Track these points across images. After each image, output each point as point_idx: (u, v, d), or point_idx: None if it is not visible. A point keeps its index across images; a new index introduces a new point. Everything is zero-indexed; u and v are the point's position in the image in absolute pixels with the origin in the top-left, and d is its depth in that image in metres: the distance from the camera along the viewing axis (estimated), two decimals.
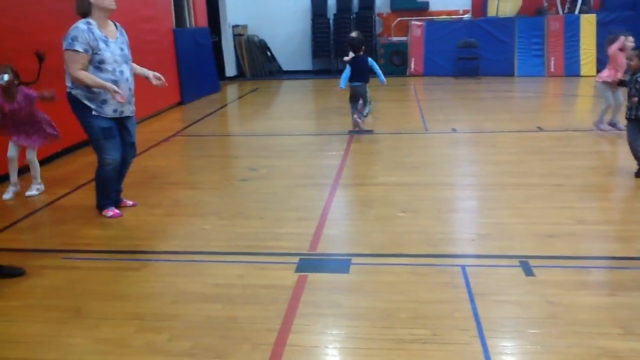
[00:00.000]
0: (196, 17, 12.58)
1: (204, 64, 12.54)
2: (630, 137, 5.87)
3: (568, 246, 4.22)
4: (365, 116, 8.32)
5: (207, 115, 10.23)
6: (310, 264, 4.01)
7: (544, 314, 3.29)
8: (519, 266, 3.88)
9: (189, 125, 9.41)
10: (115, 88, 4.57)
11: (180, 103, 11.29)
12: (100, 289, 3.75)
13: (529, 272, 3.80)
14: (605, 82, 7.62)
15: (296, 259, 4.07)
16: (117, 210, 5.09)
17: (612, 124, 7.71)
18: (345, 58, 8.51)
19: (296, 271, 3.89)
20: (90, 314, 3.41)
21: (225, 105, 11.73)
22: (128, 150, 5.09)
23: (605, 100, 7.69)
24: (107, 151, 4.84)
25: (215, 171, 6.68)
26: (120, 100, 4.61)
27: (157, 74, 5.04)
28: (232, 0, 15.40)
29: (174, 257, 4.23)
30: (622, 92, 7.16)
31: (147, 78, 5.05)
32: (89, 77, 4.55)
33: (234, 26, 15.53)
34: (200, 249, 4.34)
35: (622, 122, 6.90)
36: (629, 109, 5.81)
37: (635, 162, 5.84)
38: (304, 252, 4.21)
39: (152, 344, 3.07)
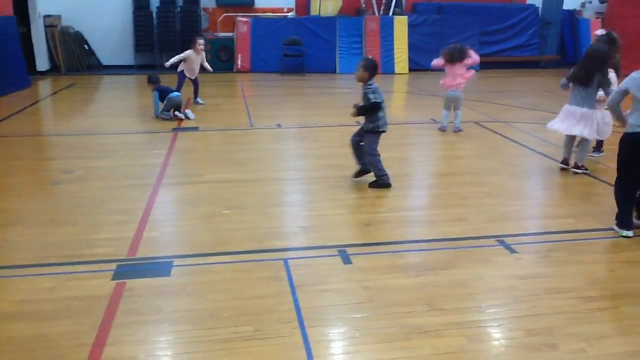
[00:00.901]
0: None
1: (10, 57, 11.34)
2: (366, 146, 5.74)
3: (382, 233, 4.52)
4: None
5: (14, 114, 9.28)
6: (129, 269, 3.82)
7: (360, 299, 3.48)
8: (337, 255, 4.06)
9: None
10: None
11: None
12: None
13: (347, 260, 3.99)
14: None
15: (114, 266, 3.86)
16: None
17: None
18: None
19: (113, 279, 3.68)
20: None
21: (37, 102, 10.72)
22: None
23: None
24: None
25: (23, 175, 6.07)
26: None
27: None
28: None
29: None
30: None
31: None
32: None
33: (46, 16, 14.24)
34: (3, 264, 3.92)
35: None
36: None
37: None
38: (122, 257, 4.00)
39: None
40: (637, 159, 4.39)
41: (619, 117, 4.63)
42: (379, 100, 5.45)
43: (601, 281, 3.75)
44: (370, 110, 5.47)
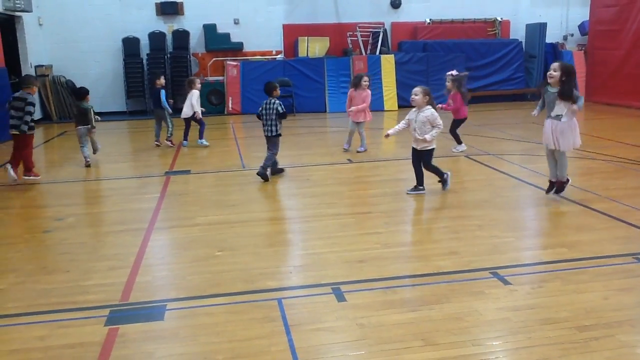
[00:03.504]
0: None
1: (1, 108, 11.41)
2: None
3: (376, 269, 4.51)
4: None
5: (6, 163, 9.28)
6: (122, 315, 3.79)
7: (355, 337, 3.46)
8: (331, 293, 4.05)
9: None
10: None
11: None
12: None
13: (341, 297, 3.98)
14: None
15: (106, 312, 3.83)
16: None
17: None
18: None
19: (106, 324, 3.65)
20: None
21: None
22: None
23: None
24: None
25: (15, 224, 6.06)
26: None
27: None
28: (34, 39, 14.38)
29: None
30: None
31: None
32: None
33: (37, 66, 14.45)
34: None
35: None
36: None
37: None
38: (115, 303, 3.97)
39: None
40: None
41: None
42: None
43: (596, 310, 3.74)
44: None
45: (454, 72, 9.15)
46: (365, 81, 9.35)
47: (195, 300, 4.03)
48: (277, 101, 7.73)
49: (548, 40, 16.69)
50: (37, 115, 14.39)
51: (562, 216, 5.81)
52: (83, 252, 5.01)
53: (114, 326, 3.62)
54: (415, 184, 6.68)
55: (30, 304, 4.01)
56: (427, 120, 6.35)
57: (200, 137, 10.31)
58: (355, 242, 5.13)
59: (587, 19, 16.58)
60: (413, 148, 6.59)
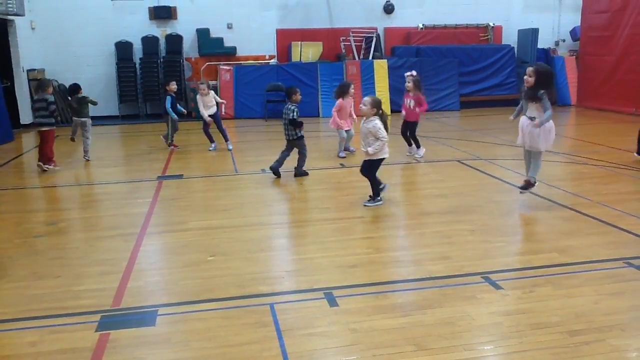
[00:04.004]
0: None
1: None
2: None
3: (368, 274, 4.52)
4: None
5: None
6: (113, 320, 3.78)
7: (347, 342, 3.46)
8: (323, 298, 4.05)
9: None
10: None
11: None
12: None
13: (333, 302, 3.98)
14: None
15: (98, 317, 3.81)
16: None
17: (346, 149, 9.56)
18: None
19: (97, 330, 3.63)
20: None
21: (20, 155, 10.72)
22: None
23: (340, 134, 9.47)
24: None
25: (5, 229, 6.02)
26: None
27: None
28: (27, 43, 14.31)
29: None
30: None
31: None
32: None
33: (29, 70, 14.40)
34: None
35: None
36: None
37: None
38: (106, 308, 3.96)
39: None
40: None
41: None
42: None
43: (587, 314, 3.76)
44: None
45: (414, 73, 9.26)
46: (352, 89, 9.64)
47: (187, 305, 4.01)
48: (293, 107, 7.90)
49: (540, 45, 16.79)
50: (29, 119, 14.37)
51: (553, 221, 5.84)
52: (74, 257, 4.99)
53: (106, 331, 3.61)
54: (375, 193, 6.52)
55: (21, 309, 3.98)
56: (370, 132, 6.23)
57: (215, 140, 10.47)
58: (347, 247, 5.14)
59: (579, 24, 16.71)
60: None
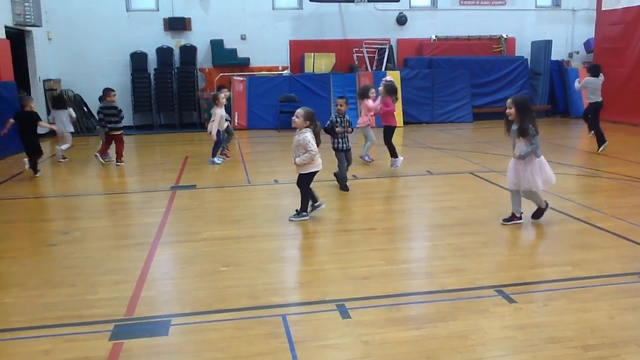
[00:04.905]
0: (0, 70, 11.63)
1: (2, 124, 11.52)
2: (342, 162, 7.53)
3: (380, 286, 4.50)
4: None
5: (13, 177, 9.38)
6: (126, 329, 3.80)
7: (359, 354, 3.45)
8: (336, 310, 4.04)
9: None
10: None
11: None
12: None
13: (345, 314, 3.97)
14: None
15: (111, 326, 3.83)
16: None
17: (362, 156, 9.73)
18: None
19: (110, 339, 3.65)
20: None
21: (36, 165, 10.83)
22: None
23: (369, 137, 9.63)
24: None
25: (20, 237, 6.09)
26: None
27: None
28: (43, 53, 14.53)
29: None
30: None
31: None
32: None
33: (46, 80, 14.60)
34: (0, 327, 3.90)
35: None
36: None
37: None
38: (120, 317, 3.98)
39: None
40: None
41: None
42: None
43: (601, 329, 3.72)
44: None
45: (388, 78, 9.47)
46: (373, 92, 9.68)
47: (200, 315, 4.03)
48: (332, 116, 7.86)
49: (553, 57, 16.76)
50: (45, 129, 14.51)
51: (567, 234, 5.80)
52: (88, 266, 5.03)
53: (119, 341, 3.63)
54: (311, 204, 6.48)
55: (35, 317, 4.02)
56: (300, 144, 6.18)
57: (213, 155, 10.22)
58: (359, 259, 5.13)
59: (593, 36, 16.65)
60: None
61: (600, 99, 10.93)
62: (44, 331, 3.80)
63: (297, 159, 6.22)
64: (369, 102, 9.59)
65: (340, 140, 7.61)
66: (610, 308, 4.04)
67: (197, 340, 3.66)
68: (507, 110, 5.87)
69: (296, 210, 6.40)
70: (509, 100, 5.89)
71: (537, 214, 6.14)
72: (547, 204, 6.11)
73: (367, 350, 3.48)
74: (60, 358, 3.44)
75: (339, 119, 7.61)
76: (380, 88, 9.31)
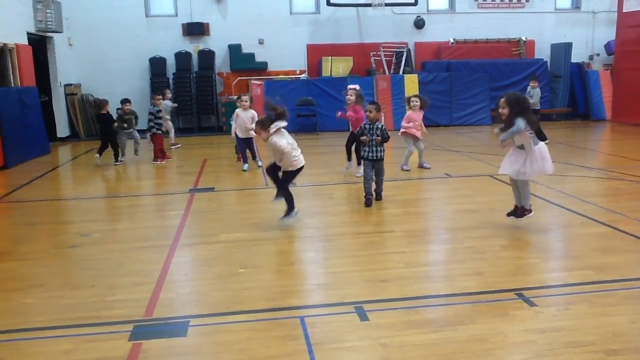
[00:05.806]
0: (22, 76, 11.84)
1: (32, 125, 11.74)
2: (365, 172, 7.18)
3: (398, 289, 4.48)
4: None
5: (34, 179, 9.51)
6: (145, 330, 3.82)
7: (377, 357, 3.43)
8: (354, 312, 4.02)
9: (13, 191, 8.66)
10: None
11: (3, 167, 10.38)
12: None
13: (363, 317, 3.96)
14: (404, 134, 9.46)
15: (130, 327, 3.86)
16: None
17: (420, 165, 9.48)
18: None
19: (130, 340, 3.68)
20: None
21: (56, 168, 11.00)
22: None
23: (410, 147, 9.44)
24: None
25: (41, 239, 6.16)
26: None
27: None
28: (64, 59, 14.75)
29: None
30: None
31: None
32: None
33: (66, 85, 14.81)
34: (21, 326, 3.95)
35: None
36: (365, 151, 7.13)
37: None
38: (138, 318, 4.00)
39: None
40: None
41: None
42: None
43: (624, 334, 3.66)
44: None
45: (357, 87, 9.13)
46: (414, 101, 9.54)
47: (218, 317, 4.04)
48: (363, 123, 7.46)
49: (573, 60, 16.59)
50: (65, 132, 14.74)
51: (588, 237, 5.72)
52: (108, 268, 5.08)
53: (138, 341, 3.65)
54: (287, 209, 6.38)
55: (56, 318, 4.06)
56: (275, 148, 6.23)
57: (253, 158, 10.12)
58: (378, 261, 5.11)
59: (613, 38, 16.45)
60: None
61: None
62: (65, 331, 3.84)
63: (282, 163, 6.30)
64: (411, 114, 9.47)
65: (367, 149, 7.22)
66: (633, 312, 3.97)
67: (215, 342, 3.67)
68: (500, 110, 5.70)
69: (286, 212, 6.32)
70: (501, 100, 5.68)
71: (516, 213, 5.96)
72: (531, 210, 5.92)
73: (385, 353, 3.46)
74: (80, 358, 3.47)
75: (367, 126, 7.38)
76: (352, 97, 8.87)
